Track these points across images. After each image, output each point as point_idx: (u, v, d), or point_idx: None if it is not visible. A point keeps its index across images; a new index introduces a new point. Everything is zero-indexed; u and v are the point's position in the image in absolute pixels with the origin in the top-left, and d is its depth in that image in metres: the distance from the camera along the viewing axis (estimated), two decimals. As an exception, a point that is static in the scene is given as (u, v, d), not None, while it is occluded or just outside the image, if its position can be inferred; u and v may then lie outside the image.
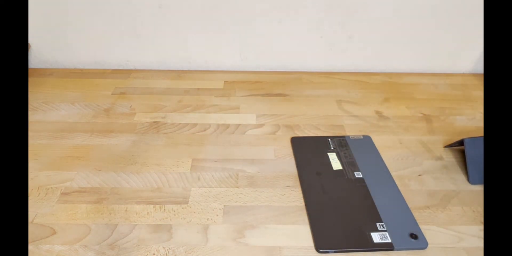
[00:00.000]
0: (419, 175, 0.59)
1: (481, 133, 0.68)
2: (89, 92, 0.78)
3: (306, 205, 0.53)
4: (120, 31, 0.82)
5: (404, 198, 0.54)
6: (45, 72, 0.85)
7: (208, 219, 0.51)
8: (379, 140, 0.65)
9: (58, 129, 0.67)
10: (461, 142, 0.59)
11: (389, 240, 0.47)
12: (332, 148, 0.63)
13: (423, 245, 0.47)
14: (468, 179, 0.57)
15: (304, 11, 0.79)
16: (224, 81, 0.83)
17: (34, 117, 0.69)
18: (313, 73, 0.87)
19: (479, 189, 0.56)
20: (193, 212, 0.51)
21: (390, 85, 0.82)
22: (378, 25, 0.81)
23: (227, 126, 0.69)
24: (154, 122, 0.69)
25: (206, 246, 0.47)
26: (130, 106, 0.73)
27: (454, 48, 0.85)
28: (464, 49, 0.85)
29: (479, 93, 0.80)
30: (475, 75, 0.88)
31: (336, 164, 0.59)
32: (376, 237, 0.48)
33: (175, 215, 0.51)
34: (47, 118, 0.70)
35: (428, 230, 0.49)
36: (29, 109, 0.72)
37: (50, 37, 0.83)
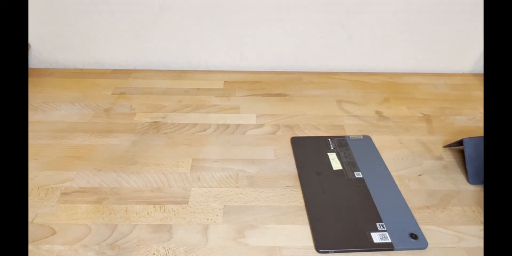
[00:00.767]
0: (419, 175, 0.59)
1: (481, 133, 0.68)
2: (89, 92, 0.78)
3: (306, 205, 0.53)
4: (120, 31, 0.82)
5: (404, 198, 0.54)
6: (45, 72, 0.85)
7: (208, 219, 0.51)
8: (379, 140, 0.65)
9: (58, 129, 0.67)
10: (460, 142, 0.59)
11: (389, 240, 0.47)
12: (332, 148, 0.63)
13: (423, 245, 0.47)
14: (467, 179, 0.57)
15: (304, 11, 0.79)
16: (224, 81, 0.83)
17: (34, 117, 0.69)
18: (313, 73, 0.87)
19: (479, 189, 0.56)
20: (193, 212, 0.51)
21: (390, 85, 0.82)
22: (378, 25, 0.81)
23: (227, 126, 0.69)
24: (154, 122, 0.69)
25: (206, 246, 0.47)
26: (130, 106, 0.73)
27: (454, 48, 0.85)
28: (464, 49, 0.85)
29: (479, 93, 0.80)
30: (475, 75, 0.88)
31: (336, 164, 0.59)
32: (376, 237, 0.48)
33: (175, 215, 0.51)
34: (47, 118, 0.70)
35: (428, 230, 0.49)
36: (29, 109, 0.72)
37: (50, 37, 0.83)
